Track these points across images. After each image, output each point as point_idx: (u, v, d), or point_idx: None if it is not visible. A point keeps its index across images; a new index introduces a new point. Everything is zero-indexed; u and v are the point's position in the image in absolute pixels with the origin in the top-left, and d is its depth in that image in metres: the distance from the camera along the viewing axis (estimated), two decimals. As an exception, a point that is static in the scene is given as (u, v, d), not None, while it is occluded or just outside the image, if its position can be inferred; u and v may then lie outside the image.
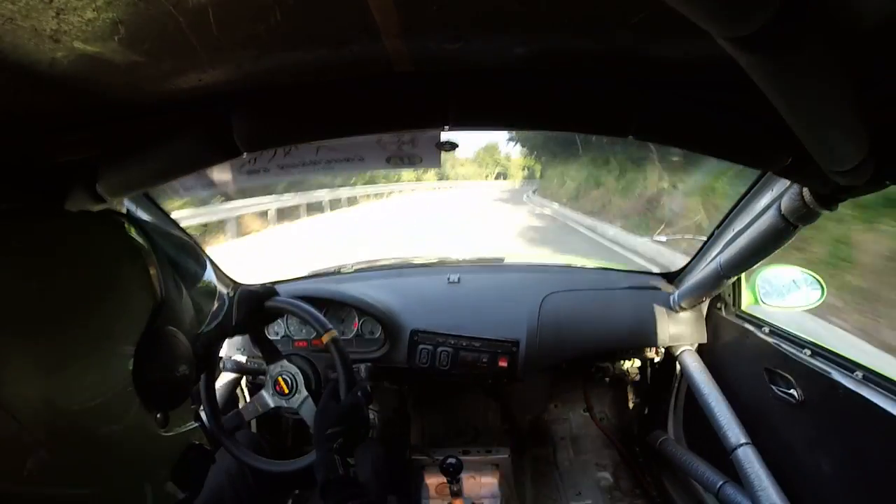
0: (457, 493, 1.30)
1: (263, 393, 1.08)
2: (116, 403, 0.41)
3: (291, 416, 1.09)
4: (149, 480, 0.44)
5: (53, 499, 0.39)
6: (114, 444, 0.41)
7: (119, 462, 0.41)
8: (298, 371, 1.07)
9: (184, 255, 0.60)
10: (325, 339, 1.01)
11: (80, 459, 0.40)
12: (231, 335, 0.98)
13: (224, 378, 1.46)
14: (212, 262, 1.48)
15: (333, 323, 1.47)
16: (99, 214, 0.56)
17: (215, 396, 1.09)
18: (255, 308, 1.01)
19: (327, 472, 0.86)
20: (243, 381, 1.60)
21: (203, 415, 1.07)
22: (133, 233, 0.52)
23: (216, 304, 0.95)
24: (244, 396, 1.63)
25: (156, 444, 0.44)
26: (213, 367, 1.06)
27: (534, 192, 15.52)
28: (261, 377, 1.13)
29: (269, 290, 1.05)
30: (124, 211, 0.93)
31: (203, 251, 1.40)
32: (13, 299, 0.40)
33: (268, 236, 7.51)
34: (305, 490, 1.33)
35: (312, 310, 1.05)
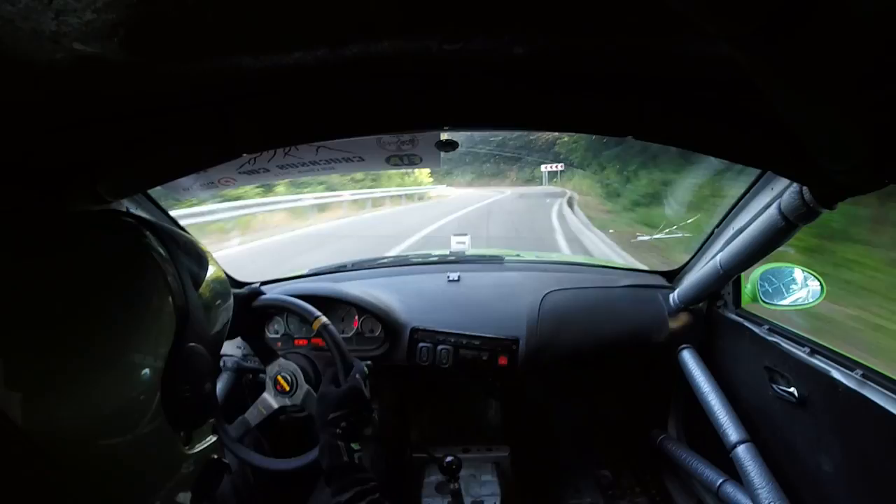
0: (457, 492, 1.30)
1: (266, 395, 1.08)
2: (134, 419, 0.40)
3: (297, 415, 1.08)
4: (166, 497, 0.43)
5: None
6: (133, 460, 0.39)
7: (137, 479, 0.40)
8: (297, 367, 1.08)
9: (189, 256, 0.56)
10: (316, 325, 1.01)
11: (92, 477, 0.38)
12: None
13: (223, 377, 1.46)
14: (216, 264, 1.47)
15: (333, 321, 1.48)
16: (112, 218, 0.54)
17: (216, 395, 1.09)
18: (243, 310, 1.01)
19: (332, 458, 0.86)
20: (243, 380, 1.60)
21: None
22: (151, 240, 0.49)
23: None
24: (245, 395, 1.64)
25: (180, 462, 0.43)
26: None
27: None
28: (261, 375, 1.13)
29: (253, 291, 1.05)
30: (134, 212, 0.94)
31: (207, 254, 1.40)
32: (18, 303, 0.37)
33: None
34: (305, 488, 1.33)
35: (298, 301, 1.05)
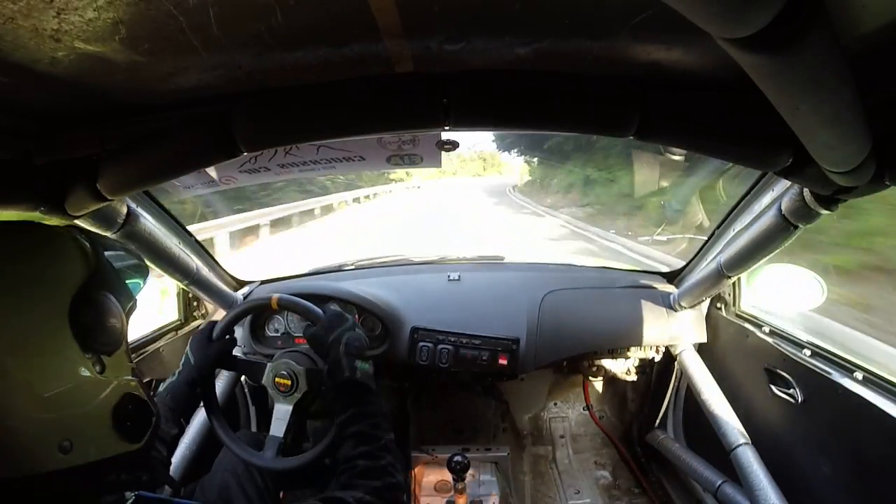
0: (461, 491, 1.31)
1: (277, 405, 1.07)
2: (50, 339, 0.49)
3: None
4: (96, 423, 0.51)
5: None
6: (57, 377, 0.48)
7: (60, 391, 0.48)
8: (296, 365, 1.05)
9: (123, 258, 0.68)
10: (274, 303, 1.02)
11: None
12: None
13: (223, 377, 1.46)
14: (216, 263, 1.48)
15: None
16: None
17: (216, 396, 1.09)
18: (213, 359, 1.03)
19: (336, 376, 0.86)
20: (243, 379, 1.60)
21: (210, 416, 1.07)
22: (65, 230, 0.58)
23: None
24: (245, 395, 1.64)
25: (96, 387, 0.51)
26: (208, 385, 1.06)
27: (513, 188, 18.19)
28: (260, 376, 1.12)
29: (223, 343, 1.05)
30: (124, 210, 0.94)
31: (207, 252, 1.40)
32: None
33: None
34: (307, 487, 1.33)
35: (245, 303, 1.08)
